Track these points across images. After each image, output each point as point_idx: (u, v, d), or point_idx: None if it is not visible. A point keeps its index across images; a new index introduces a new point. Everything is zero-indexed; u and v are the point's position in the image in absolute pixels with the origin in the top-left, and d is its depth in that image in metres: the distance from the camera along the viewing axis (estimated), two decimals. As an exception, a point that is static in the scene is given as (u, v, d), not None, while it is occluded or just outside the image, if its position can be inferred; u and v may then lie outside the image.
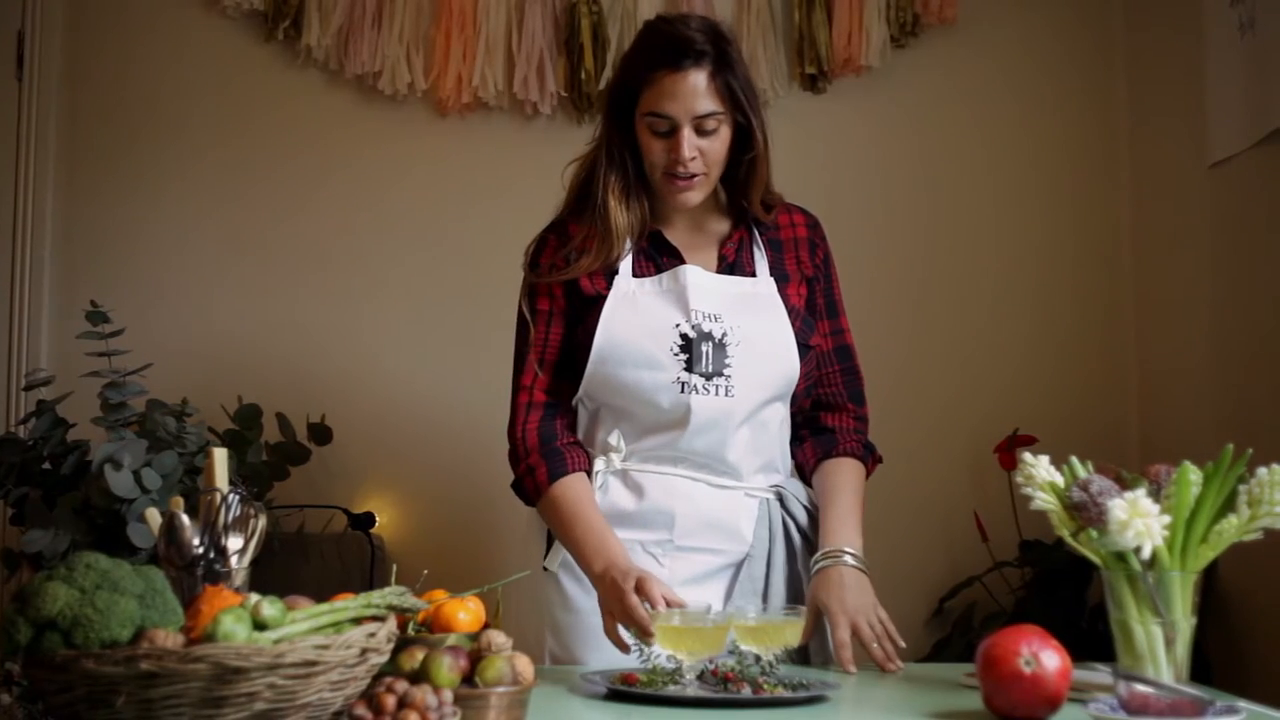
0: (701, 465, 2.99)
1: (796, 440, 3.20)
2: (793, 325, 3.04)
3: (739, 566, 2.99)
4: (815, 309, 3.16)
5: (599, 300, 3.02)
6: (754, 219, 3.13)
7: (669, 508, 2.97)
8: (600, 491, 3.01)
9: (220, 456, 2.30)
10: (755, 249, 3.12)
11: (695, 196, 3.04)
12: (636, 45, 3.11)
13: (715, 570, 2.99)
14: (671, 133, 2.96)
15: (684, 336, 2.96)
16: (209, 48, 4.68)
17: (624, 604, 2.69)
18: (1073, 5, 4.73)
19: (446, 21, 4.58)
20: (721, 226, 3.16)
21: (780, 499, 3.06)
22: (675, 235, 3.12)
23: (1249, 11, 3.80)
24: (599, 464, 3.02)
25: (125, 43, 4.68)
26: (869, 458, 3.17)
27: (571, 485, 2.98)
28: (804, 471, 3.19)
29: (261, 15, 4.63)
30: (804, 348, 3.06)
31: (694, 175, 2.99)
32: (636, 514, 2.98)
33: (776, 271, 3.11)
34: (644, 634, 2.60)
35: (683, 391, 2.93)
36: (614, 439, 3.00)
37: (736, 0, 4.62)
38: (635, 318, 3.00)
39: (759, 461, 3.05)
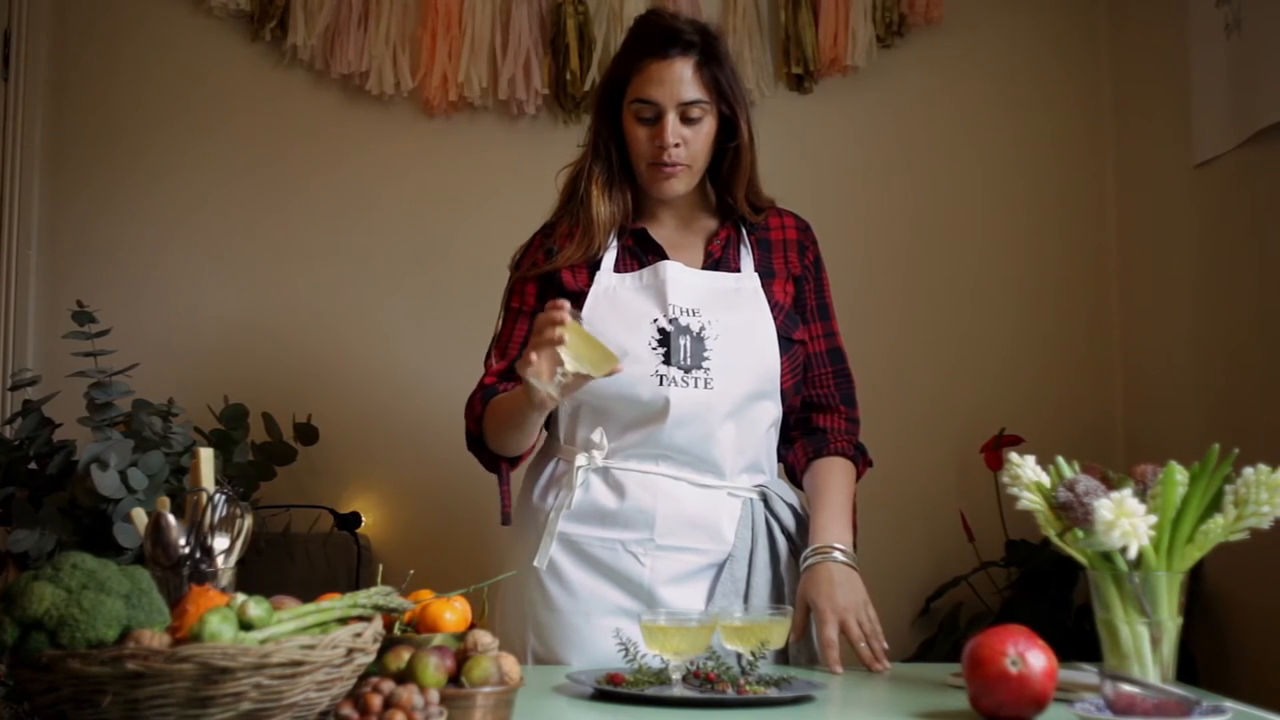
0: (684, 463, 2.99)
1: (787, 442, 3.21)
2: (775, 320, 3.06)
3: (721, 567, 2.99)
4: (805, 310, 3.18)
5: (580, 296, 3.05)
6: (741, 217, 3.14)
7: (650, 507, 2.97)
8: (581, 489, 3.02)
9: (206, 456, 2.30)
10: (742, 247, 3.15)
11: (678, 185, 3.08)
12: (626, 39, 3.18)
13: (697, 570, 2.99)
14: (656, 119, 3.03)
15: (661, 331, 2.99)
16: (195, 48, 4.67)
17: (534, 342, 2.73)
18: (1059, 6, 4.73)
19: (433, 21, 4.58)
20: (709, 225, 3.19)
21: (764, 499, 3.07)
22: (662, 233, 3.15)
23: (1235, 12, 3.80)
24: (580, 460, 3.02)
25: (111, 43, 4.67)
26: (860, 459, 3.19)
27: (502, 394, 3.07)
28: (794, 472, 3.20)
29: (247, 15, 4.63)
30: (786, 341, 3.08)
31: (677, 164, 3.03)
32: (617, 513, 2.98)
33: (762, 268, 3.13)
34: (550, 335, 2.68)
35: (661, 384, 2.95)
36: (596, 436, 3.01)
37: (722, 0, 4.63)
38: (614, 312, 3.03)
39: (744, 461, 3.06)
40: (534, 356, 2.70)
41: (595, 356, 2.69)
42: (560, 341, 2.66)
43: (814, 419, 3.20)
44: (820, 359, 3.20)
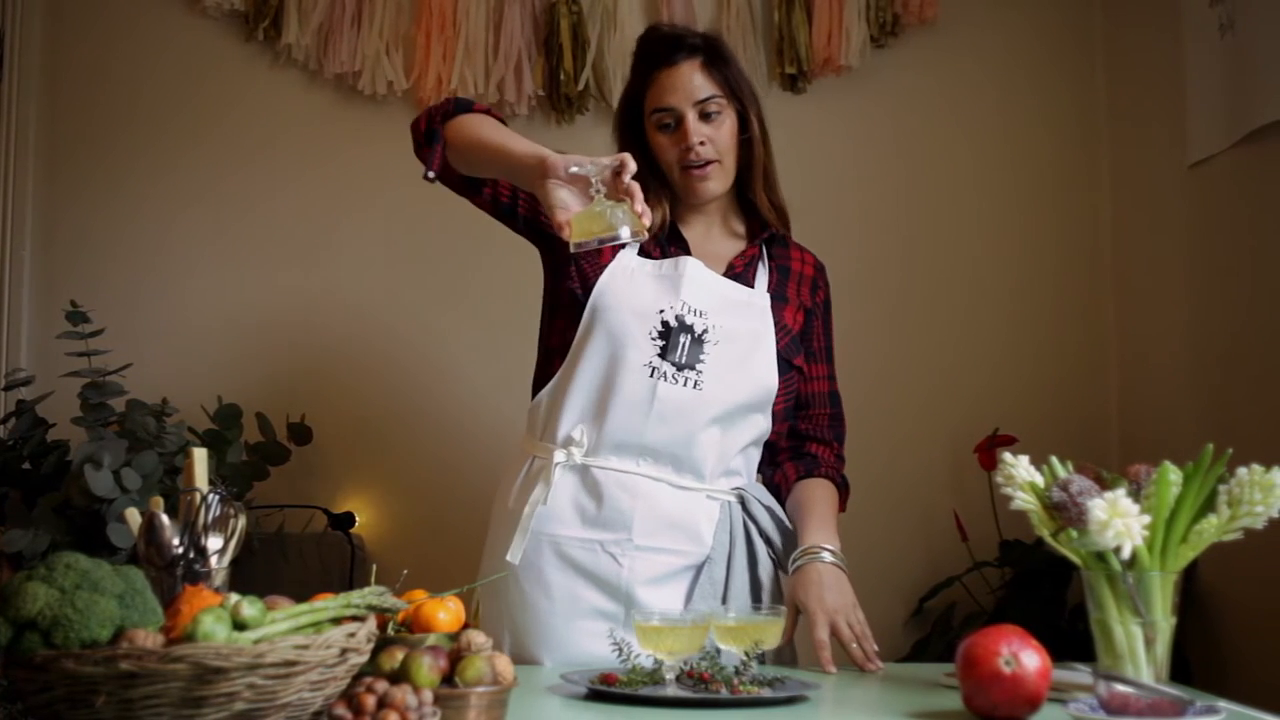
0: (664, 463, 2.99)
1: (775, 464, 3.24)
2: (779, 341, 3.08)
3: (699, 569, 2.99)
4: (811, 346, 3.22)
5: (600, 268, 3.05)
6: (770, 239, 3.19)
7: (629, 507, 2.96)
8: (559, 487, 3.01)
9: (200, 456, 2.30)
10: (761, 266, 3.18)
11: (714, 185, 3.12)
12: (634, 58, 3.22)
13: (675, 572, 2.99)
14: (678, 124, 3.07)
15: (665, 324, 2.98)
16: (189, 47, 4.67)
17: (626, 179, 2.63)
18: (1053, 5, 4.73)
19: (426, 21, 4.58)
20: (737, 244, 3.21)
21: (742, 502, 3.07)
22: (690, 233, 3.18)
23: (1228, 12, 3.80)
24: (559, 456, 3.00)
25: (106, 42, 4.67)
26: (844, 488, 3.22)
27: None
28: (780, 492, 3.21)
29: (241, 15, 4.63)
30: (785, 364, 3.09)
31: (707, 162, 3.08)
32: (595, 513, 2.98)
33: (777, 292, 3.15)
34: (630, 184, 2.60)
35: (651, 376, 2.95)
36: (577, 433, 3.00)
37: (716, 0, 4.63)
38: (627, 293, 3.03)
39: (724, 466, 3.06)
40: (607, 161, 2.62)
41: (593, 220, 2.61)
42: (628, 194, 2.58)
43: (806, 446, 3.24)
44: (821, 399, 3.24)
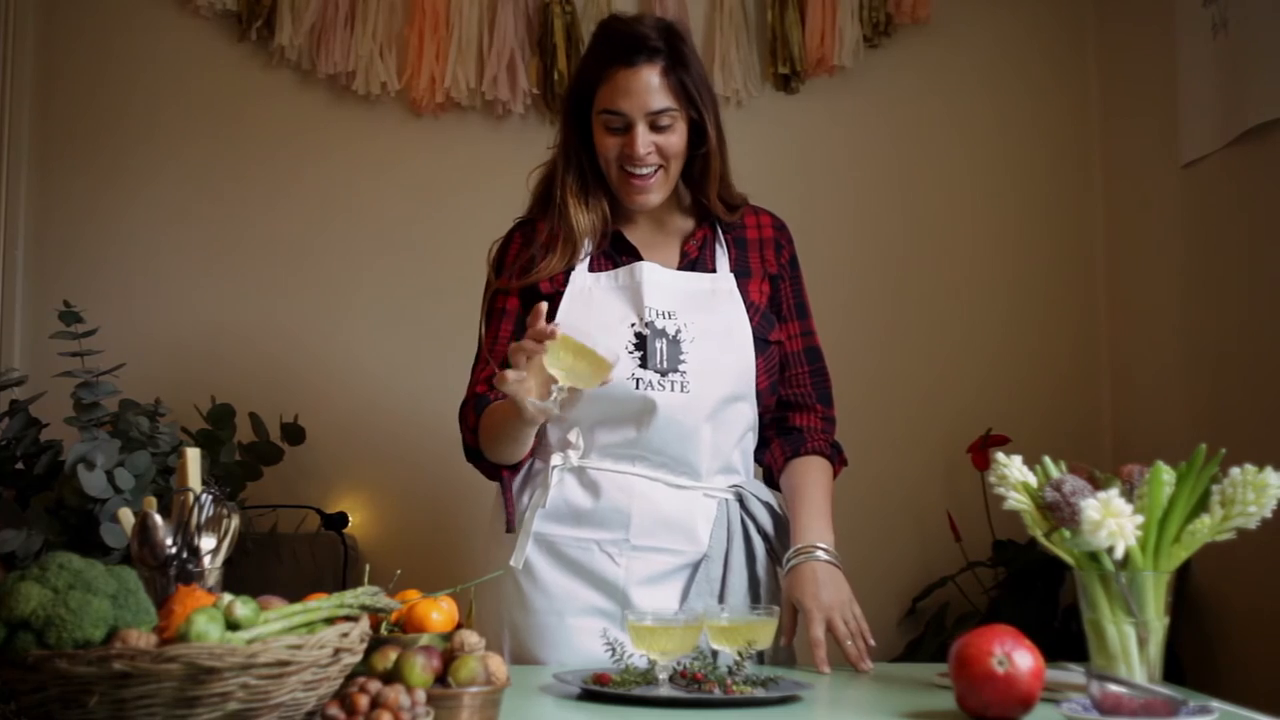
0: (660, 464, 2.99)
1: (763, 443, 3.20)
2: (751, 320, 3.06)
3: (696, 567, 2.98)
4: (781, 309, 3.17)
5: (556, 297, 3.04)
6: (717, 218, 3.14)
7: (625, 507, 2.96)
8: (557, 489, 3.00)
9: (193, 456, 2.29)
10: (718, 247, 3.14)
11: (654, 197, 3.07)
12: (591, 44, 3.16)
13: (672, 570, 2.98)
14: (626, 129, 3.00)
15: (638, 334, 2.97)
16: (182, 48, 4.67)
17: (515, 356, 2.68)
18: (1046, 5, 4.74)
19: (420, 21, 4.58)
20: (685, 225, 3.18)
21: (740, 499, 3.06)
22: (637, 234, 3.14)
23: (1222, 12, 3.81)
24: (556, 459, 3.00)
25: (99, 43, 4.67)
26: (836, 458, 3.17)
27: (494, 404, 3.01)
28: (772, 473, 3.18)
29: (234, 15, 4.63)
30: (762, 342, 3.07)
31: (652, 173, 3.02)
32: (592, 513, 2.97)
33: (739, 268, 3.13)
34: (531, 347, 2.63)
35: (638, 387, 2.94)
36: (573, 436, 3.00)
37: (709, 0, 4.63)
38: (590, 314, 3.00)
39: (719, 463, 3.05)
40: (511, 375, 2.66)
41: (587, 367, 2.66)
42: (541, 350, 2.62)
43: (790, 418, 3.19)
44: (798, 358, 3.19)
